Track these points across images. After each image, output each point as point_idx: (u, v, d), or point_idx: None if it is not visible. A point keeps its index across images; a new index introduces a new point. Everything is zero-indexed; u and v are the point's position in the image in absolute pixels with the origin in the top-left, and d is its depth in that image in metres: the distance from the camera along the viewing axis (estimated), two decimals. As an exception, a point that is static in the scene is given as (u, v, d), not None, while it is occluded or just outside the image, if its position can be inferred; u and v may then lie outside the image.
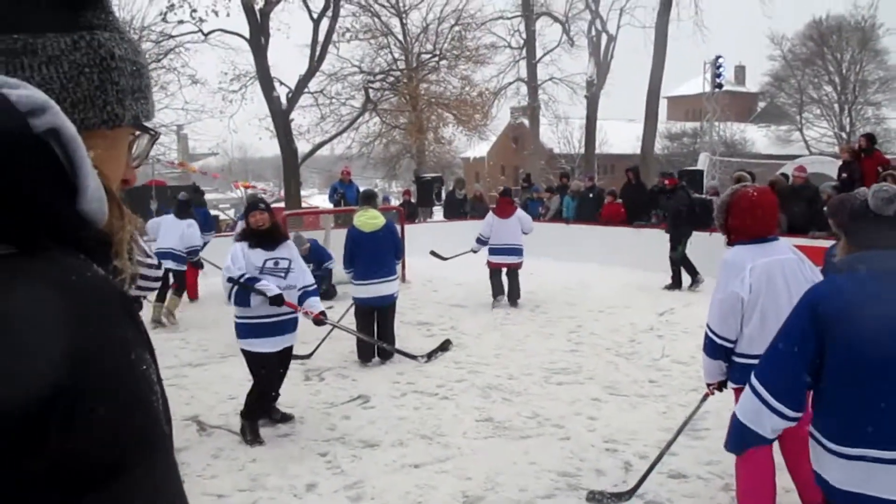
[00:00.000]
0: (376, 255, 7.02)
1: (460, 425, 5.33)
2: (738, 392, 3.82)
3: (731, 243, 3.85)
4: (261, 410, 5.31)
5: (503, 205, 10.28)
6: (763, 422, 2.72)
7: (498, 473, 4.46)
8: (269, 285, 5.02)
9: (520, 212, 10.38)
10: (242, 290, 4.98)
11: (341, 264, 7.72)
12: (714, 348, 3.75)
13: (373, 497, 4.17)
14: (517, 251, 9.94)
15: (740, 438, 2.88)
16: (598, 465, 4.59)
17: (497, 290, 10.08)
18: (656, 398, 5.96)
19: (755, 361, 3.60)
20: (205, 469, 4.63)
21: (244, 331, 5.17)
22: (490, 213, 10.46)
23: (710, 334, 3.74)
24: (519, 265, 10.09)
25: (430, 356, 5.04)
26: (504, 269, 10.10)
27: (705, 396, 4.15)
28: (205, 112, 23.54)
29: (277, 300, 5.01)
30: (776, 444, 3.81)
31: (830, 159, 18.48)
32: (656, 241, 11.43)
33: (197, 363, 7.32)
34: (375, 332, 7.16)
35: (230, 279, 5.01)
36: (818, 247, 10.35)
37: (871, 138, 12.08)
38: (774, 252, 3.72)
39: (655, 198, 12.79)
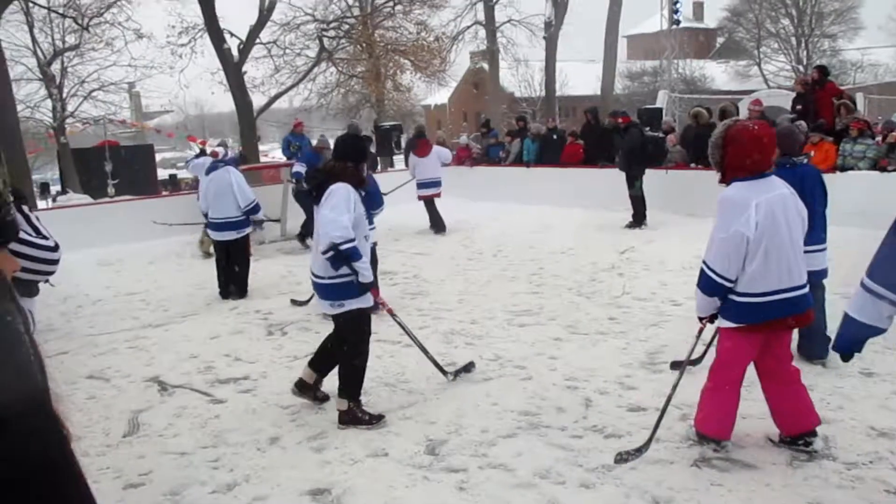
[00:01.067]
0: None
1: (423, 371, 5.35)
2: (727, 332, 3.74)
3: (726, 181, 3.69)
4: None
5: (421, 145, 11.98)
6: (882, 314, 2.72)
7: (461, 416, 4.50)
8: (366, 268, 4.37)
9: (436, 148, 12.16)
10: (339, 259, 4.27)
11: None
12: (713, 286, 3.64)
13: (336, 447, 4.18)
14: (437, 183, 11.70)
15: (856, 336, 2.82)
16: (559, 403, 4.65)
17: (436, 218, 11.69)
18: (616, 335, 6.04)
19: (757, 300, 3.55)
20: (167, 428, 4.60)
21: (356, 287, 4.40)
22: (411, 154, 12.18)
23: (709, 272, 3.63)
24: (439, 195, 11.77)
25: (456, 374, 5.09)
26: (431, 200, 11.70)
27: (700, 331, 4.02)
28: (154, 68, 22.95)
29: (368, 287, 4.44)
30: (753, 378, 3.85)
31: (786, 92, 18.58)
32: (616, 180, 11.46)
33: (157, 324, 7.22)
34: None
35: (350, 241, 4.24)
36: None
37: (823, 70, 12.14)
38: (774, 188, 3.61)
39: (611, 137, 12.79)
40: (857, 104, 13.40)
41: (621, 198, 11.29)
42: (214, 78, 22.93)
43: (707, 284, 3.66)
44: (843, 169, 10.13)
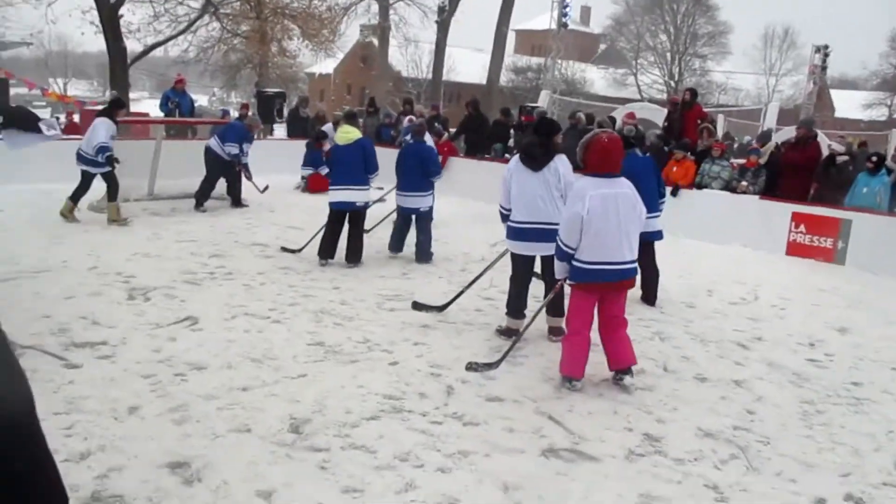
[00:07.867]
0: (347, 165, 8.03)
1: (291, 349, 5.37)
2: (574, 287, 4.92)
3: (583, 173, 4.92)
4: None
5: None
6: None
7: (326, 396, 4.57)
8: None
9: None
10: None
11: None
12: (562, 253, 4.90)
13: (198, 420, 4.13)
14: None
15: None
16: (422, 388, 4.81)
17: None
18: (481, 326, 6.28)
19: (587, 266, 4.82)
20: (14, 391, 4.37)
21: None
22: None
23: (559, 242, 4.90)
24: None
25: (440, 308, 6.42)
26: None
27: (560, 286, 5.26)
28: (18, -4, 21.09)
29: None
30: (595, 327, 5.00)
31: (656, 107, 19.70)
32: (495, 174, 11.77)
33: (5, 278, 6.77)
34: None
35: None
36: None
37: (693, 92, 13.06)
38: (614, 186, 4.82)
39: (496, 131, 13.13)
40: (717, 125, 14.48)
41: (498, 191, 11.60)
42: (86, 17, 21.42)
43: (558, 251, 4.93)
44: (700, 186, 10.94)
